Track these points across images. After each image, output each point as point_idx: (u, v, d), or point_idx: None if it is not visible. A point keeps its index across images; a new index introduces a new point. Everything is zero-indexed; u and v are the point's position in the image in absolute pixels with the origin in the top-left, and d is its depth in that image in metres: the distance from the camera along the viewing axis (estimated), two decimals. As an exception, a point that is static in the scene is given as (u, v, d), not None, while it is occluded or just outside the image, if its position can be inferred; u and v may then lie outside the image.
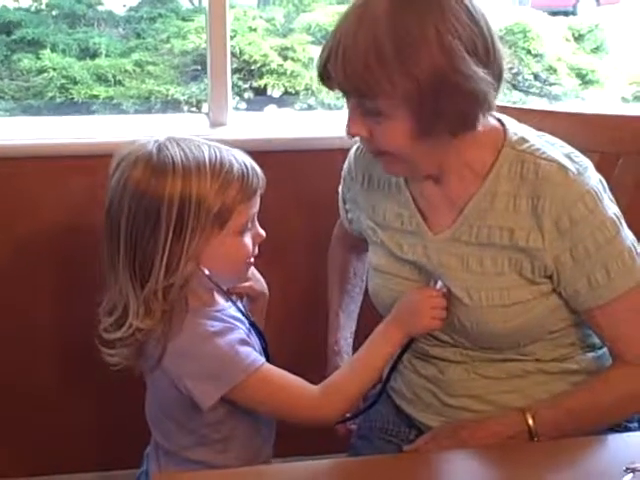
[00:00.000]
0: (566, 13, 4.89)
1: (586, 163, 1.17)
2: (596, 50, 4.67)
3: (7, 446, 1.90)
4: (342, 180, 1.38)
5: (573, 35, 4.73)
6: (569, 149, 1.19)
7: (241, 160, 1.14)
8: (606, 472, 1.01)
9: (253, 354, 1.13)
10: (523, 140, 1.17)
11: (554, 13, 4.64)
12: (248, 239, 1.16)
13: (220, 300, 1.22)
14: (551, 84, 4.53)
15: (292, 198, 1.79)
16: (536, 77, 4.24)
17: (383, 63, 1.04)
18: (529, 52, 4.42)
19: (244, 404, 1.14)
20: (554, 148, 1.17)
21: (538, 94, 4.16)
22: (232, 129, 1.78)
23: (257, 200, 1.16)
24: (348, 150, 1.39)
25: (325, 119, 1.94)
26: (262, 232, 1.19)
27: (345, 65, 1.07)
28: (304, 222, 1.81)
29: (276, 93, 4.37)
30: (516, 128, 1.20)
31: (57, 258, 1.80)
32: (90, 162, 1.65)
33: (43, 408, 1.89)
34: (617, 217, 1.14)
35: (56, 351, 1.86)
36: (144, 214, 1.09)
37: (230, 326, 1.15)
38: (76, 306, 1.79)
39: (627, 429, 1.23)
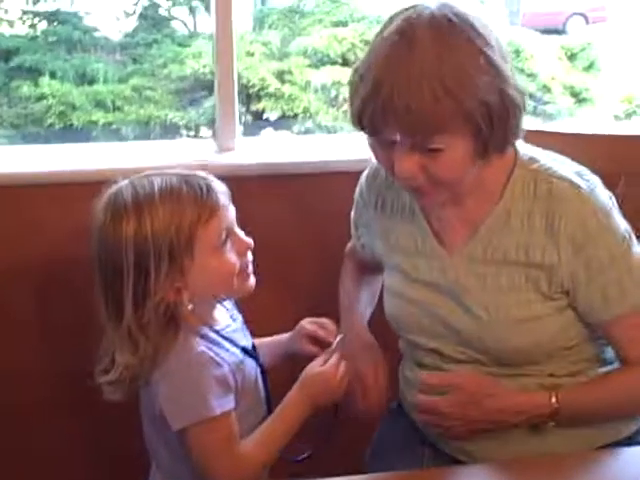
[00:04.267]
0: (557, 31, 4.96)
1: (595, 180, 1.20)
2: (588, 68, 4.73)
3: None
4: (354, 205, 1.40)
5: (566, 54, 4.79)
6: (578, 167, 1.22)
7: (194, 182, 1.15)
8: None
9: (224, 397, 1.15)
10: (533, 160, 1.20)
11: (544, 31, 4.71)
12: (230, 254, 1.18)
13: (223, 319, 1.24)
14: (545, 103, 4.58)
15: (302, 220, 1.80)
16: (530, 96, 4.29)
17: (452, 94, 1.06)
18: (523, 71, 4.47)
19: (187, 443, 1.15)
20: (564, 166, 1.20)
21: (533, 113, 4.20)
22: (240, 154, 1.78)
23: (224, 215, 1.16)
24: (357, 173, 1.41)
25: (331, 143, 1.94)
26: (247, 240, 1.20)
27: (411, 106, 1.06)
28: (313, 241, 1.81)
29: (273, 116, 4.41)
30: (525, 149, 1.23)
31: (55, 285, 1.80)
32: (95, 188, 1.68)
33: (37, 431, 1.86)
34: (628, 232, 1.17)
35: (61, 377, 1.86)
36: (109, 257, 1.14)
37: (216, 359, 1.16)
38: (74, 335, 1.78)
39: (638, 443, 1.25)
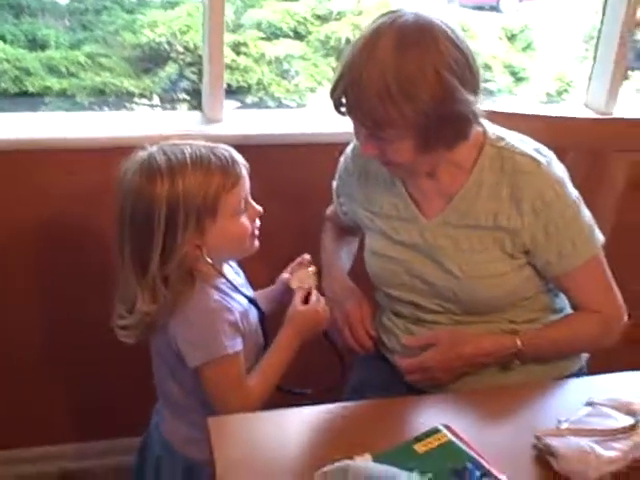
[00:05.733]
0: (492, 8, 5.13)
1: (551, 155, 1.41)
2: (526, 48, 4.92)
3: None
4: (337, 176, 1.58)
5: (506, 34, 4.97)
6: (536, 144, 1.42)
7: (220, 153, 1.29)
8: (570, 407, 1.24)
9: (235, 339, 1.31)
10: (500, 138, 1.40)
11: (479, 8, 4.87)
12: (244, 218, 1.31)
13: (230, 274, 1.40)
14: (486, 80, 4.78)
15: (286, 189, 1.92)
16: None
17: (393, 100, 1.20)
18: (467, 50, 4.58)
19: (203, 379, 1.30)
20: (525, 144, 1.41)
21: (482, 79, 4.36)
22: (227, 126, 1.89)
23: (244, 184, 1.31)
24: (339, 145, 1.57)
25: (314, 116, 2.08)
26: (258, 208, 1.35)
27: (362, 102, 1.23)
28: (296, 210, 1.94)
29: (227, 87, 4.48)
30: (493, 128, 1.42)
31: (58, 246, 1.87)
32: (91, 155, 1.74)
33: (43, 379, 1.97)
34: (578, 199, 1.38)
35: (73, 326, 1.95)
36: (141, 213, 1.27)
37: (228, 306, 1.32)
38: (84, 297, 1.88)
39: (585, 374, 1.49)
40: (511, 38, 5.02)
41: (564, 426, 1.16)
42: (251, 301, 1.40)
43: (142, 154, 1.30)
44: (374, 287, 1.53)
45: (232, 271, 1.43)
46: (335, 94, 1.29)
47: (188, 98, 4.51)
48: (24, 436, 2.00)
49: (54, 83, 4.48)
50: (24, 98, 4.41)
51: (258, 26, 4.64)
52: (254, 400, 1.33)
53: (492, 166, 1.38)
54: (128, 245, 1.29)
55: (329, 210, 1.68)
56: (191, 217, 1.26)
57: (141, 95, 4.57)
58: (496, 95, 4.81)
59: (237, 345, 1.32)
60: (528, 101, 4.78)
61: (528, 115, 1.70)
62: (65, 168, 1.80)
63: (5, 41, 4.64)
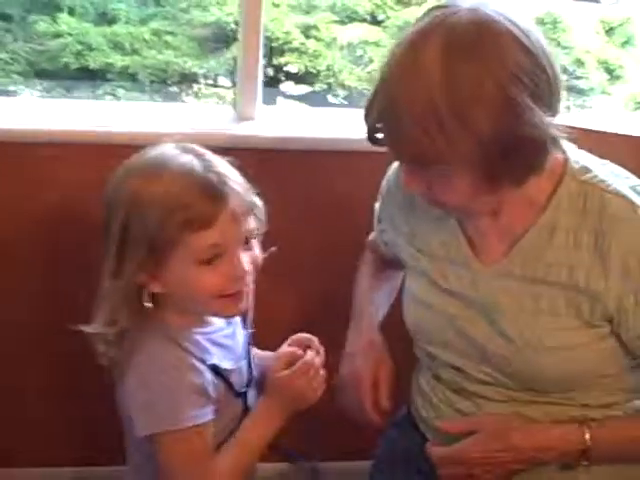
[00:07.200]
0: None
1: None
2: (625, 44, 4.58)
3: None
4: (380, 196, 1.29)
5: (604, 28, 4.64)
6: (636, 181, 1.10)
7: (212, 180, 1.02)
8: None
9: (203, 408, 1.05)
10: (586, 169, 1.08)
11: (579, -1, 4.57)
12: (213, 272, 1.03)
13: (217, 322, 1.12)
14: (578, 77, 4.45)
15: (317, 199, 1.68)
16: (563, 69, 4.16)
17: (442, 128, 0.92)
18: (558, 44, 4.33)
19: (156, 449, 1.07)
20: (619, 180, 1.08)
21: (564, 87, 4.08)
22: (259, 125, 1.64)
23: (227, 229, 1.02)
24: (381, 154, 1.30)
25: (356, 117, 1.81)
26: (243, 266, 1.04)
27: (399, 131, 0.96)
28: (322, 225, 1.70)
29: (294, 71, 4.28)
30: (577, 155, 1.10)
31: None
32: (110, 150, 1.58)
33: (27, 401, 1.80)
34: None
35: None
36: (105, 211, 1.06)
37: (198, 367, 1.06)
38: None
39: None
40: (609, 32, 4.68)
41: None
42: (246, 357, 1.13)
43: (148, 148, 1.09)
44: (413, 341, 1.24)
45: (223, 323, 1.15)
46: (369, 118, 1.01)
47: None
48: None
49: (117, 60, 4.35)
50: (85, 74, 4.29)
51: (332, 8, 4.40)
52: None
53: (572, 206, 1.06)
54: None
55: (370, 237, 1.39)
56: (145, 236, 1.02)
57: (204, 76, 4.39)
58: (587, 95, 4.47)
59: (203, 416, 1.06)
60: (622, 101, 4.44)
61: (619, 135, 1.36)
62: (79, 162, 1.62)
63: (73, 14, 4.53)
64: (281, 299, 1.63)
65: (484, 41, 0.93)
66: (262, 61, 1.66)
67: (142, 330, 1.06)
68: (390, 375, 1.19)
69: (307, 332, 1.42)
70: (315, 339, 1.17)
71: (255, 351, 1.23)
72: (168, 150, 1.08)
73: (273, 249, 1.14)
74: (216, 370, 1.08)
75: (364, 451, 1.34)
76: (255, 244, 1.09)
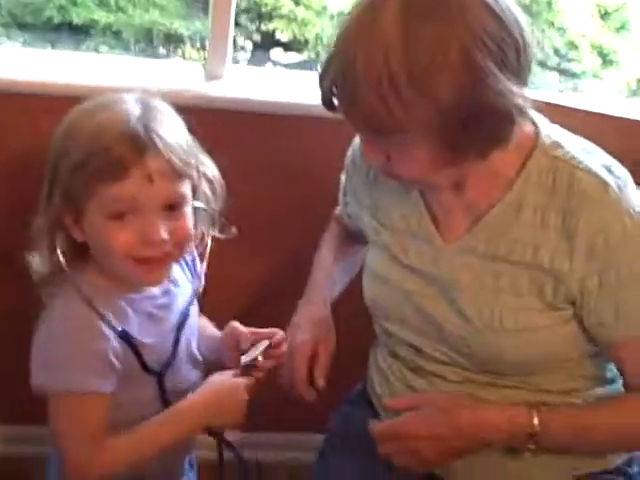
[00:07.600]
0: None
1: (626, 177, 1.03)
2: (620, 29, 4.52)
3: None
4: (345, 169, 1.23)
5: (599, 12, 4.57)
6: (608, 160, 1.04)
7: (133, 131, 0.95)
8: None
9: (105, 378, 1.00)
10: (557, 145, 1.03)
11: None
12: (124, 230, 0.97)
13: (153, 290, 1.07)
14: (570, 60, 4.39)
15: (287, 168, 1.62)
16: (556, 51, 4.10)
17: (400, 95, 0.87)
18: (552, 25, 4.26)
19: (49, 408, 1.02)
20: (592, 157, 1.03)
21: (556, 69, 4.03)
22: (227, 84, 1.58)
23: (139, 185, 0.95)
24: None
25: None
26: (159, 231, 0.96)
27: (355, 97, 0.90)
28: (292, 190, 1.64)
29: (284, 38, 4.19)
30: (549, 129, 1.05)
31: None
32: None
33: None
34: None
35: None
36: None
37: (104, 333, 0.99)
38: None
39: (627, 475, 1.12)
40: (604, 16, 4.61)
41: None
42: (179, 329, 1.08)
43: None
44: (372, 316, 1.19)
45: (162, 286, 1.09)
46: (323, 83, 0.95)
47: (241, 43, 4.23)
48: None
49: (101, 16, 4.23)
50: (67, 30, 4.18)
51: (323, -26, 4.29)
52: (108, 464, 1.01)
53: (541, 181, 1.01)
54: None
55: (337, 209, 1.33)
56: (66, 176, 0.99)
57: (190, 38, 4.28)
58: (579, 78, 4.42)
59: (104, 385, 1.00)
60: (615, 87, 4.39)
61: (596, 113, 1.30)
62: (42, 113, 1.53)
63: (56, -33, 4.41)
64: (243, 262, 1.58)
65: (448, 1, 0.87)
66: (233, 20, 1.59)
67: (60, 285, 1.01)
68: (329, 354, 1.14)
69: (268, 297, 1.37)
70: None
71: (204, 325, 1.18)
72: (123, 97, 1.02)
73: (234, 231, 1.09)
74: (127, 339, 1.02)
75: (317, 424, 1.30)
76: (185, 214, 1.01)
